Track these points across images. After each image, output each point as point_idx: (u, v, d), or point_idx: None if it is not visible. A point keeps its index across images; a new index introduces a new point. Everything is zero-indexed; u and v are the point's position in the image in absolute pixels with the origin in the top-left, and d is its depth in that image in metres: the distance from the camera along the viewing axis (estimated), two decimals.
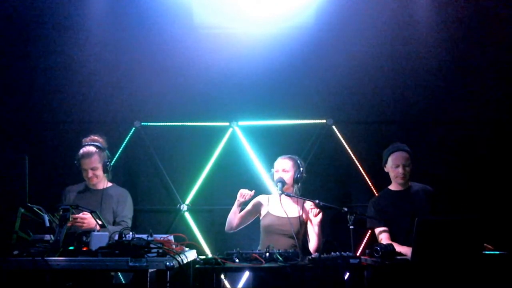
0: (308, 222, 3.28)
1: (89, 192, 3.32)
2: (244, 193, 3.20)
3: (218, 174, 4.16)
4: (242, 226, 3.39)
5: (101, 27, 4.26)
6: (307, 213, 3.30)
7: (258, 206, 3.38)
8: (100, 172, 3.26)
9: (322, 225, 3.15)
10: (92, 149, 3.23)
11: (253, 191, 3.25)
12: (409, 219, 3.05)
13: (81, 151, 3.23)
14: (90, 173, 3.22)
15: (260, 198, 3.42)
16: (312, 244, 3.22)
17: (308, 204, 3.32)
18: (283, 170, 3.32)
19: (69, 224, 2.80)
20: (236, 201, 3.25)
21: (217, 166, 4.17)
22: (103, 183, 3.33)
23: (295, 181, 3.34)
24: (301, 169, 3.36)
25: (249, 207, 3.37)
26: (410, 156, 3.25)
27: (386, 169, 3.35)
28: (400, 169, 3.23)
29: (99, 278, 2.96)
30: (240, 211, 3.33)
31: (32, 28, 4.25)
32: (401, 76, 4.33)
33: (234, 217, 3.31)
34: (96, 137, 3.34)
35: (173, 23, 4.27)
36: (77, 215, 2.88)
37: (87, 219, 2.91)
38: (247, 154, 4.21)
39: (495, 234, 2.63)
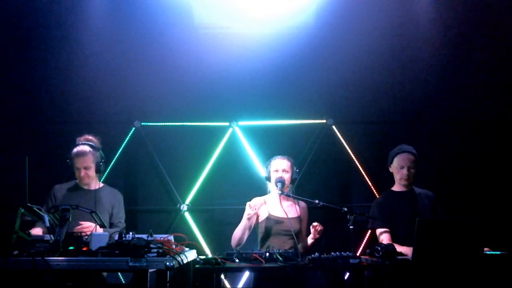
0: (302, 224, 3.32)
1: (81, 191, 3.27)
2: (253, 205, 3.05)
3: (218, 174, 4.16)
4: None
5: (102, 27, 4.26)
6: (303, 212, 3.34)
7: (260, 210, 3.35)
8: (92, 172, 3.22)
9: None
10: (86, 148, 3.20)
11: (260, 204, 3.16)
12: (412, 220, 3.03)
13: (75, 149, 3.19)
14: (83, 172, 3.18)
15: (257, 201, 3.31)
16: (303, 246, 3.26)
17: (302, 205, 3.36)
18: (283, 171, 3.32)
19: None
20: (246, 215, 3.06)
21: (217, 166, 4.17)
22: (95, 184, 3.30)
23: (292, 181, 3.36)
24: (297, 170, 3.40)
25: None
26: (415, 159, 3.25)
27: (390, 170, 3.35)
28: (404, 171, 3.23)
29: (91, 279, 2.94)
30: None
31: (32, 28, 4.24)
32: (401, 76, 4.33)
33: (244, 233, 3.13)
34: (90, 137, 3.31)
35: (173, 23, 4.27)
36: (82, 227, 2.87)
37: (88, 227, 2.92)
38: (247, 154, 4.21)
39: (495, 235, 2.62)
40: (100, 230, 2.98)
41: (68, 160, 3.20)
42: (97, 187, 3.30)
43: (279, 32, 4.27)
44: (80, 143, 3.25)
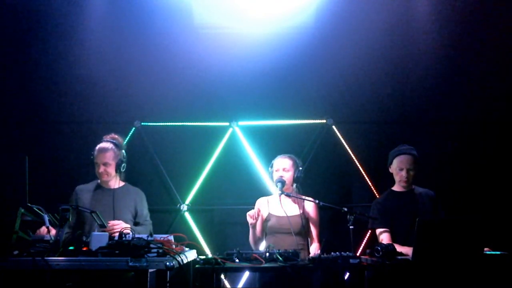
0: (311, 223, 3.33)
1: (101, 190, 3.29)
2: (252, 214, 3.14)
3: (218, 174, 4.16)
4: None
5: (102, 27, 4.26)
6: (307, 212, 3.33)
7: (262, 210, 3.37)
8: (111, 170, 3.23)
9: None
10: (108, 145, 3.23)
11: (258, 208, 3.23)
12: (412, 220, 3.04)
13: (98, 146, 3.24)
14: (101, 168, 3.20)
15: (260, 202, 3.41)
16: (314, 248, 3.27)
17: (309, 204, 3.34)
18: (284, 170, 3.33)
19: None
20: (249, 225, 3.20)
21: (217, 166, 4.17)
22: (115, 182, 3.31)
23: (295, 180, 3.34)
24: (300, 168, 3.37)
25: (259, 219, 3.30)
26: (415, 160, 3.24)
27: (390, 170, 3.34)
28: (403, 173, 3.23)
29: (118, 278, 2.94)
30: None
31: (32, 28, 4.24)
32: (401, 76, 4.33)
33: (255, 239, 3.29)
34: (116, 136, 3.36)
35: (173, 23, 4.27)
36: (113, 225, 2.94)
37: (119, 224, 2.97)
38: (247, 154, 4.21)
39: (495, 235, 2.62)
40: (127, 229, 2.99)
41: (91, 156, 3.23)
42: (116, 186, 3.30)
43: (279, 32, 4.27)
44: (105, 140, 3.29)
